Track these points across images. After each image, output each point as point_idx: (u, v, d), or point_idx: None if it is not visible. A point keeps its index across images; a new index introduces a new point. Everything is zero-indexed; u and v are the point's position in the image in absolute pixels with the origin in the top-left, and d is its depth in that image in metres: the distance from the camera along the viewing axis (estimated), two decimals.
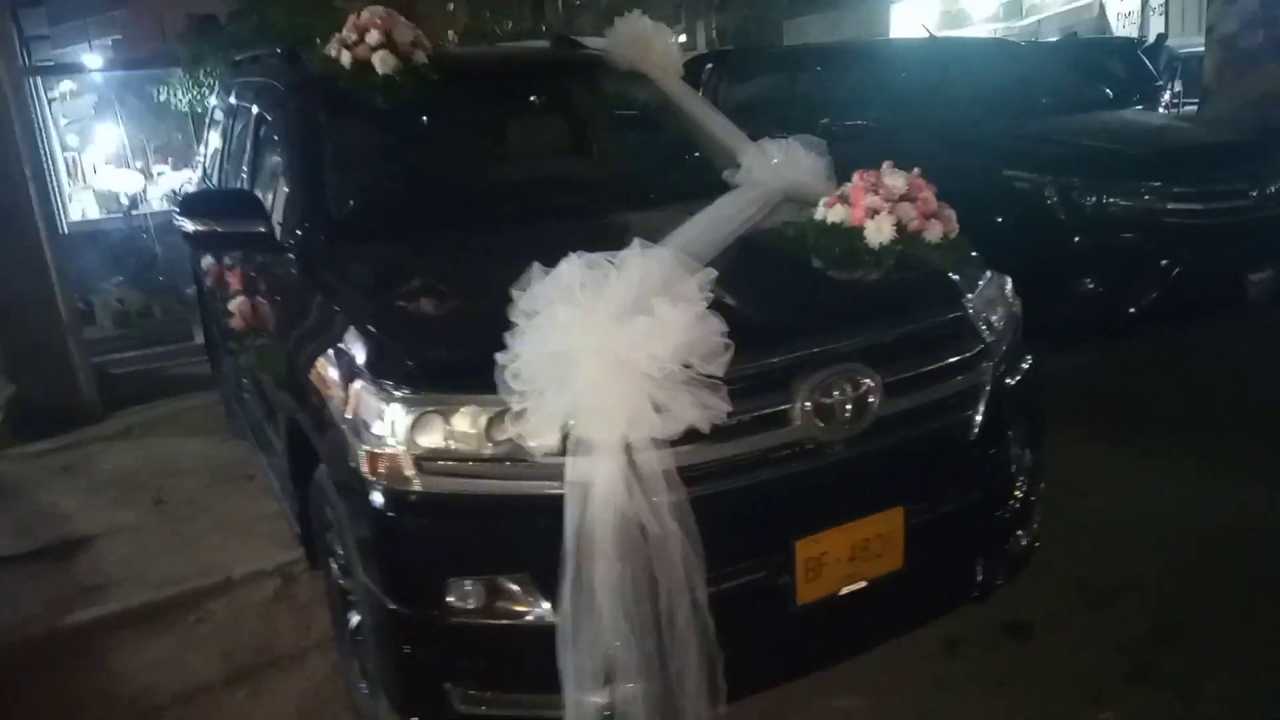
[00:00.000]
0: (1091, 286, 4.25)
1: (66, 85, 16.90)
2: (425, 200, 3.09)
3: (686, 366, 1.91)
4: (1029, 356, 2.70)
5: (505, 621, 2.03)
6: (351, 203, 3.02)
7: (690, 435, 1.95)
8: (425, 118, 3.37)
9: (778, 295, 2.38)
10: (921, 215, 2.47)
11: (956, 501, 2.38)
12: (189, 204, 2.92)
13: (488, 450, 1.98)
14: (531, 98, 3.57)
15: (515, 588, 2.03)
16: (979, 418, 2.38)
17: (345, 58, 3.28)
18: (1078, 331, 4.50)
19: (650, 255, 2.01)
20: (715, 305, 2.03)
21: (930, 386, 2.28)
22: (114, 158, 15.42)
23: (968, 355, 2.36)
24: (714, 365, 1.92)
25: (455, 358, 2.07)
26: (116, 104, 15.84)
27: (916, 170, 2.59)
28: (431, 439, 1.99)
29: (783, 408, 2.08)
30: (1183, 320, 4.62)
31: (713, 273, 2.04)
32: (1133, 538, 3.39)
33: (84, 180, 15.69)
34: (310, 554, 2.90)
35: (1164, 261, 4.26)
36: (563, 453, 1.92)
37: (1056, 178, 4.27)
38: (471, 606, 2.02)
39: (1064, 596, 3.04)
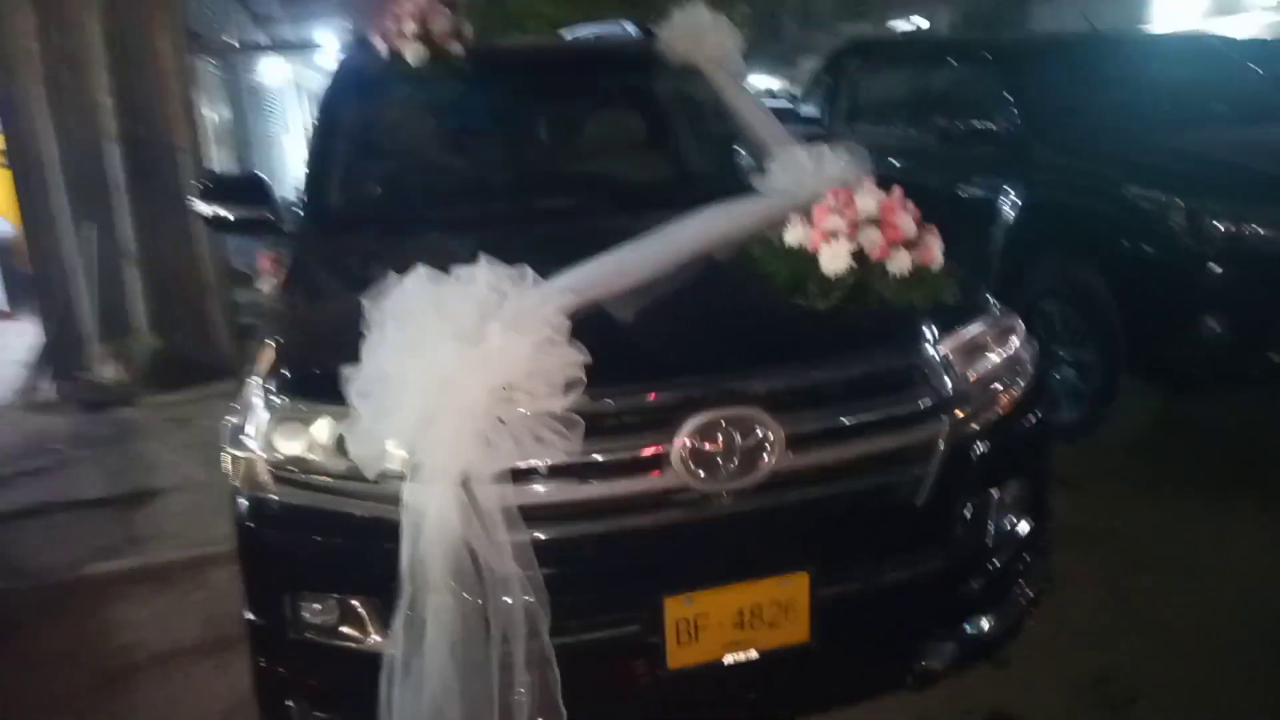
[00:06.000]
0: (1221, 329, 3.61)
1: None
2: (420, 196, 3.05)
3: (526, 398, 1.75)
4: (1035, 411, 2.32)
5: (346, 645, 1.96)
6: (351, 194, 3.03)
7: (541, 472, 1.81)
8: (448, 111, 3.33)
9: (686, 325, 2.14)
10: (887, 243, 2.16)
11: (891, 573, 2.07)
12: (206, 187, 3.02)
13: (337, 465, 1.90)
14: (566, 93, 3.45)
15: (360, 612, 1.96)
16: (930, 479, 2.05)
17: (382, 47, 3.31)
18: (1203, 378, 3.86)
19: (497, 273, 1.85)
20: (600, 332, 1.87)
21: (855, 441, 1.98)
22: None
23: (915, 409, 2.04)
24: (554, 399, 1.75)
25: (321, 366, 2.00)
26: None
27: (896, 190, 2.26)
28: (289, 447, 1.94)
29: (655, 452, 1.87)
30: None
31: (570, 298, 1.86)
32: (1190, 633, 2.87)
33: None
34: None
35: None
36: (401, 477, 1.82)
37: (1186, 198, 3.65)
38: (316, 625, 1.97)
39: (1072, 693, 2.62)
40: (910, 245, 2.18)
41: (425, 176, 3.19)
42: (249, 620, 2.04)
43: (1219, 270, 3.63)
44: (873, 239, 2.16)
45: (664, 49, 3.51)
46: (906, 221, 2.20)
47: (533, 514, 1.82)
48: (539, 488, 1.83)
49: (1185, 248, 3.68)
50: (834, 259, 2.16)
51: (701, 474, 1.87)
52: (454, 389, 1.74)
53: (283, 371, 2.01)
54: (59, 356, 6.06)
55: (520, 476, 1.81)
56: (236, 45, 10.09)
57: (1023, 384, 2.29)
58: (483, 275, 1.84)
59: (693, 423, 1.86)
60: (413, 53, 3.25)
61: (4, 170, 6.25)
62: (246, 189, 3.01)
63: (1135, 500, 3.72)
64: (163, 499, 4.13)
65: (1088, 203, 4.17)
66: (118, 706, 2.81)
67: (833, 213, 2.22)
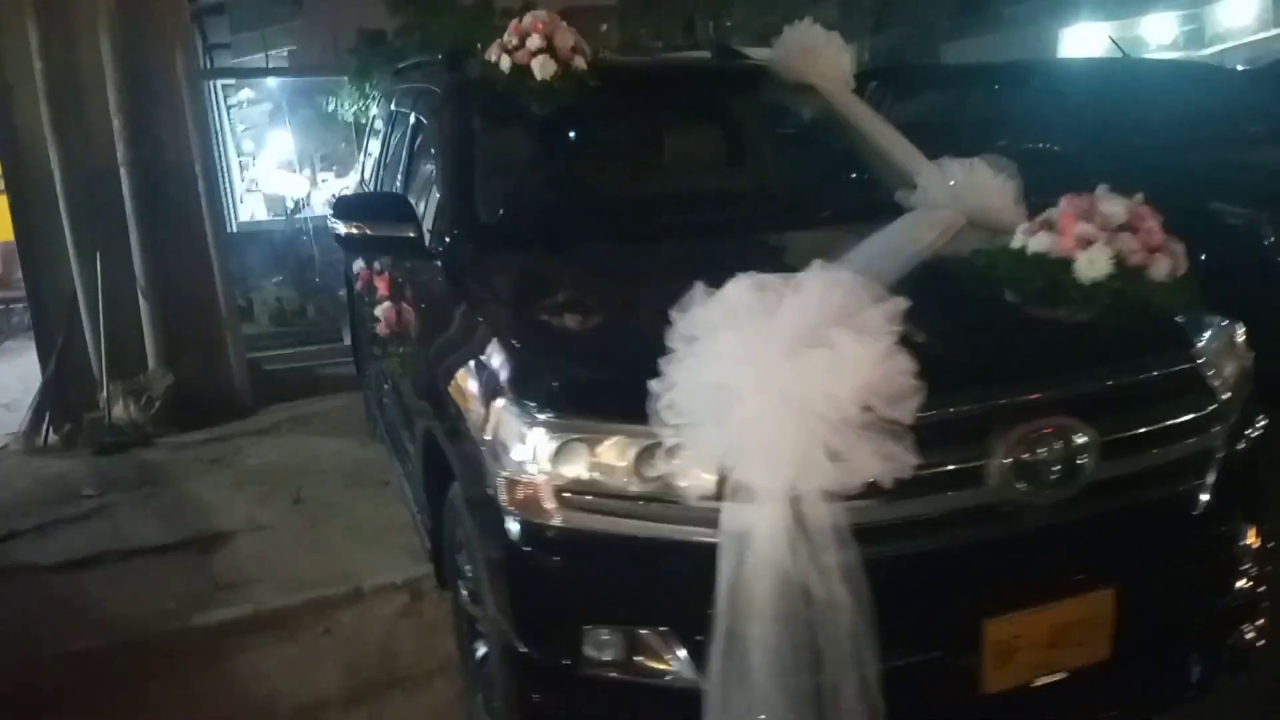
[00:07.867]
0: None
1: (245, 93, 17.87)
2: (579, 211, 2.95)
3: (867, 409, 1.66)
4: (1261, 418, 2.31)
5: (647, 680, 1.82)
6: (503, 210, 2.91)
7: (865, 489, 1.70)
8: (582, 126, 3.23)
9: (970, 332, 2.08)
10: (1146, 248, 2.13)
11: (1177, 585, 2.03)
12: (342, 206, 2.87)
13: (636, 487, 1.77)
14: (693, 108, 3.38)
15: (660, 644, 1.81)
16: (1208, 488, 2.02)
17: (505, 62, 3.19)
18: None
19: (831, 279, 1.76)
20: (900, 340, 1.78)
21: (1155, 448, 1.95)
22: (284, 163, 16.21)
23: (1199, 414, 2.01)
24: (900, 409, 1.66)
25: (606, 382, 1.87)
26: (288, 112, 16.69)
27: (1139, 196, 2.25)
28: (575, 469, 1.80)
29: (977, 463, 1.79)
30: None
31: (903, 302, 1.78)
32: None
33: (255, 183, 16.49)
34: (439, 572, 2.79)
35: None
36: (720, 497, 1.70)
37: (1274, 213, 3.77)
38: (609, 659, 1.82)
39: None
40: (1164, 251, 2.16)
41: (583, 191, 3.08)
42: (522, 654, 1.89)
43: None
44: (1130, 244, 2.14)
45: (778, 67, 3.46)
46: (1157, 227, 2.18)
47: (857, 534, 1.71)
48: (862, 505, 1.73)
49: (1275, 262, 3.78)
50: (1092, 265, 2.12)
51: (1023, 486, 1.80)
52: (793, 400, 1.64)
53: (554, 386, 1.87)
54: (59, 395, 5.67)
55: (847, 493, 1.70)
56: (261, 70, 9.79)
57: (1251, 387, 2.29)
58: (814, 281, 1.74)
59: (1017, 432, 1.79)
60: (540, 67, 3.15)
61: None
62: (388, 207, 2.86)
63: None
64: (234, 542, 3.85)
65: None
66: None
67: (1081, 219, 2.19)
